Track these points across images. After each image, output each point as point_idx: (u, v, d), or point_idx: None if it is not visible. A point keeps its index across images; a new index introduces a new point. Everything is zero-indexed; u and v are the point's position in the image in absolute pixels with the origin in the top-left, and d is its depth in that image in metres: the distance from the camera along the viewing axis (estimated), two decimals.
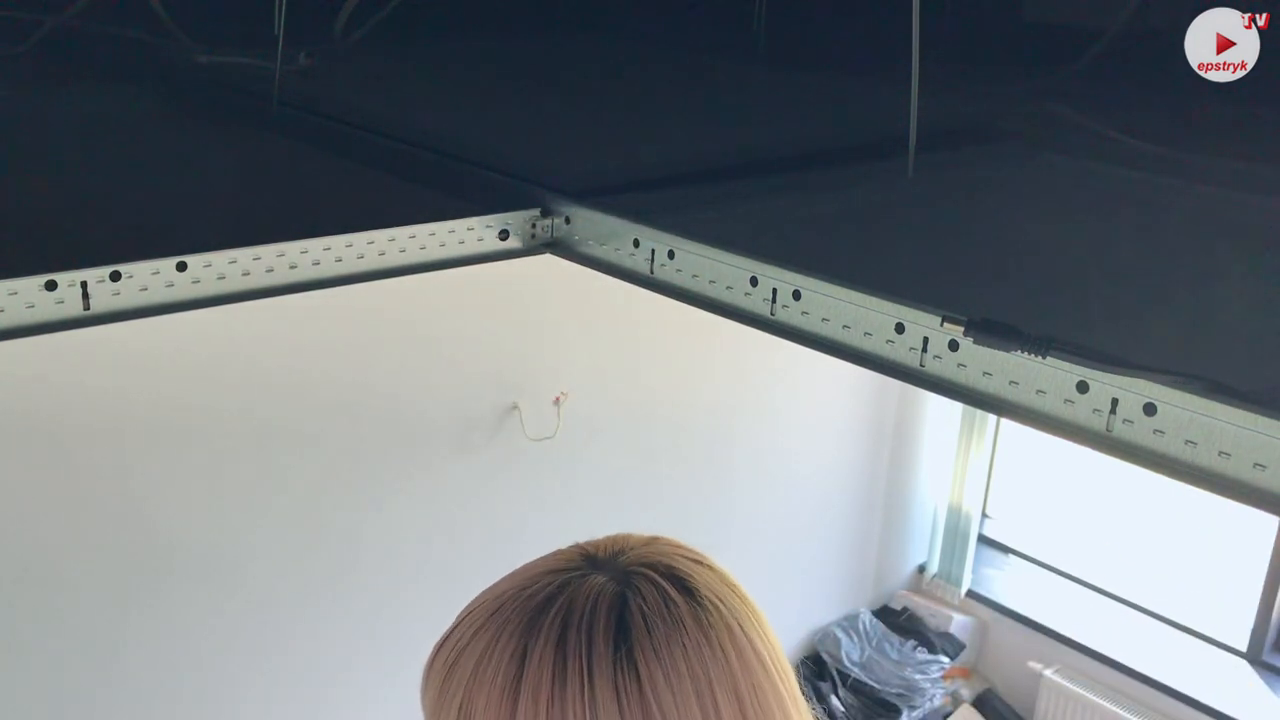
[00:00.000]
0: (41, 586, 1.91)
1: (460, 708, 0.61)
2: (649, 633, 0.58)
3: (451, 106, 1.04)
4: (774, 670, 0.61)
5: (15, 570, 1.86)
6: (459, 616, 0.66)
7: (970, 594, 3.57)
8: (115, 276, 0.59)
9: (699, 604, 0.60)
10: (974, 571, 3.61)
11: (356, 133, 0.92)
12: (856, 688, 3.34)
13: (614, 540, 0.65)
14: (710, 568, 0.64)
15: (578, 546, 0.66)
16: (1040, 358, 0.49)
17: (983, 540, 3.67)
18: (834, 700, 3.29)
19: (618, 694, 0.57)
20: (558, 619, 0.59)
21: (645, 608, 0.59)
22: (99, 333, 0.62)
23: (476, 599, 0.66)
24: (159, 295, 0.61)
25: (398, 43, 1.05)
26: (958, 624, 3.53)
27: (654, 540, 0.65)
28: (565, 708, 0.57)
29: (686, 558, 0.63)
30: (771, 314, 0.62)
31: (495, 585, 0.66)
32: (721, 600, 0.61)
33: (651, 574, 0.61)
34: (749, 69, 1.02)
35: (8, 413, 1.78)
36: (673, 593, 0.60)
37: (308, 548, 2.25)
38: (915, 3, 0.68)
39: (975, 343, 0.52)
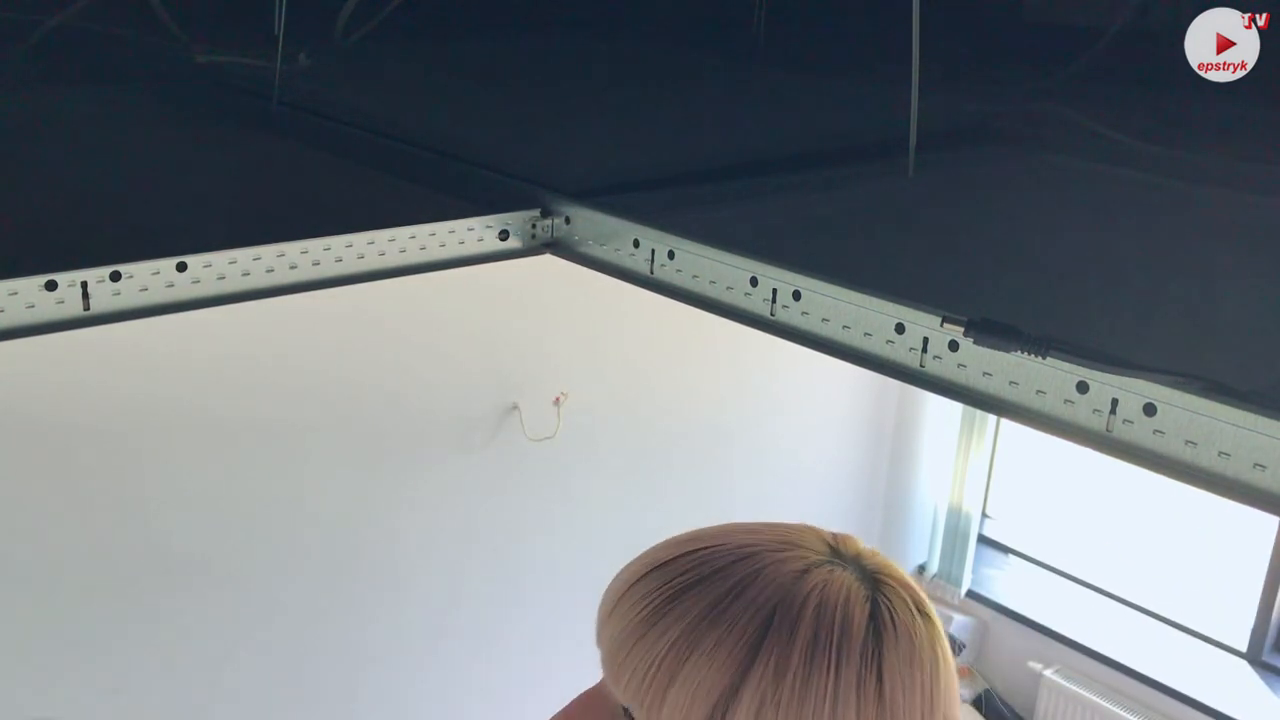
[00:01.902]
0: (41, 587, 1.91)
1: (673, 645, 0.60)
2: (897, 643, 0.59)
3: (451, 106, 1.04)
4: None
5: (15, 570, 1.86)
6: (676, 546, 0.64)
7: (970, 594, 3.57)
8: (115, 276, 0.59)
9: (933, 629, 0.61)
10: (974, 571, 3.61)
11: (356, 133, 0.92)
12: None
13: (847, 538, 0.65)
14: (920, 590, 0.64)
15: (810, 529, 0.65)
16: (1040, 358, 0.49)
17: (983, 540, 3.67)
18: None
19: (859, 691, 0.57)
20: (814, 595, 0.59)
21: (896, 619, 0.59)
22: (99, 333, 0.62)
23: (698, 535, 0.65)
24: (159, 295, 0.61)
25: (398, 43, 1.05)
26: (958, 624, 3.53)
27: (876, 551, 0.64)
28: (809, 686, 0.57)
29: (911, 579, 0.64)
30: (771, 314, 0.62)
31: (723, 531, 0.65)
32: (940, 633, 0.62)
33: (896, 587, 0.61)
34: (749, 69, 1.02)
35: (8, 413, 1.78)
36: (915, 611, 0.60)
37: (308, 547, 2.25)
38: (915, 3, 0.68)
39: (975, 343, 0.52)
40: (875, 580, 0.61)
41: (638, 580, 0.64)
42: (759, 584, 0.61)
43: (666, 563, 0.64)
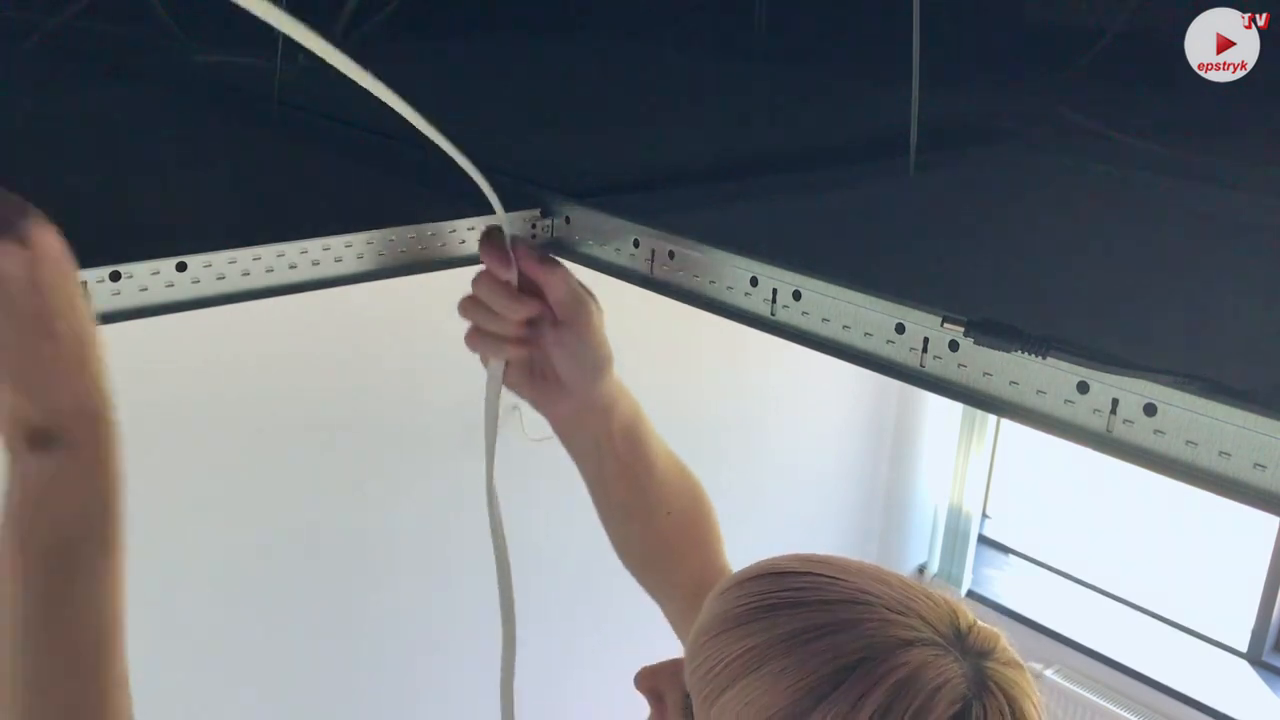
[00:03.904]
0: None
1: (746, 653, 0.59)
2: None
3: (452, 106, 1.04)
4: None
5: None
6: (802, 562, 0.64)
7: (970, 594, 3.57)
8: (115, 276, 0.59)
9: None
10: (974, 571, 3.61)
11: (356, 133, 0.92)
12: None
13: (987, 635, 0.62)
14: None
15: (948, 605, 0.63)
16: (1040, 358, 0.49)
17: (983, 540, 3.67)
18: None
19: None
20: (906, 669, 0.57)
21: None
22: (99, 333, 0.62)
23: (829, 560, 0.64)
24: (159, 295, 0.61)
25: (398, 43, 1.05)
26: None
27: (1017, 664, 0.62)
28: None
29: (1034, 702, 0.61)
30: (771, 314, 0.62)
31: (856, 568, 0.64)
32: None
33: (1004, 703, 0.58)
34: (749, 68, 1.02)
35: None
36: None
37: (308, 548, 2.25)
38: (915, 3, 0.68)
39: (975, 343, 0.52)
40: (984, 685, 0.58)
41: (753, 578, 0.64)
42: (854, 633, 0.58)
43: (785, 573, 0.63)
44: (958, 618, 0.62)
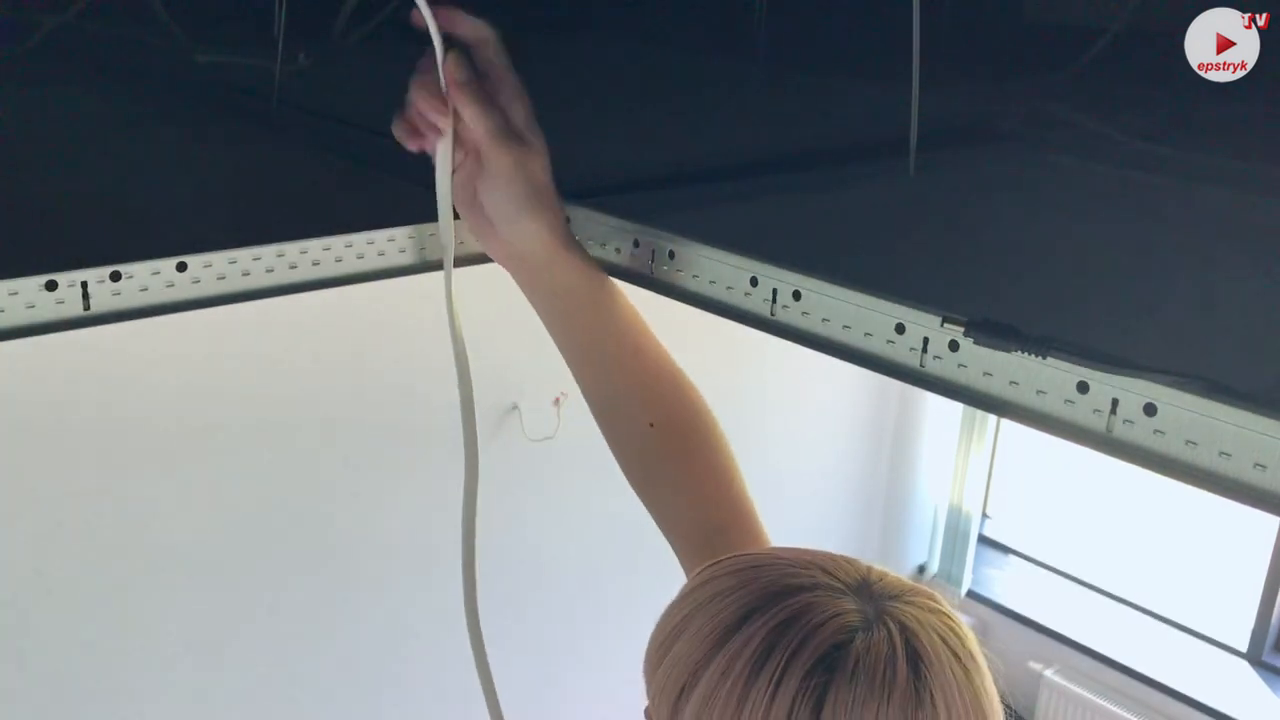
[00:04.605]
0: (40, 587, 1.90)
1: (674, 626, 0.62)
2: (851, 679, 0.56)
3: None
4: None
5: (13, 570, 1.86)
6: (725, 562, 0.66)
7: (970, 594, 3.57)
8: (115, 276, 0.59)
9: (916, 690, 0.57)
10: (974, 571, 3.61)
11: (356, 133, 0.92)
12: None
13: (904, 585, 0.63)
14: (960, 662, 0.60)
15: (872, 569, 0.64)
16: (1040, 358, 0.49)
17: (983, 540, 3.67)
18: None
19: (791, 713, 0.56)
20: (791, 608, 0.59)
21: (864, 656, 0.57)
22: (99, 333, 0.62)
23: (765, 549, 0.68)
24: (159, 295, 0.61)
25: (398, 43, 1.05)
26: None
27: (936, 610, 0.62)
28: (746, 696, 0.57)
29: (945, 639, 0.60)
30: (771, 314, 0.62)
31: (775, 549, 0.67)
32: (948, 705, 0.58)
33: (894, 633, 0.58)
34: (749, 68, 1.02)
35: (7, 412, 1.78)
36: (901, 663, 0.57)
37: (307, 548, 2.25)
38: (915, 3, 0.68)
39: (975, 343, 0.52)
40: (878, 618, 0.59)
41: (705, 566, 0.67)
42: (758, 585, 0.61)
43: (723, 559, 0.66)
44: (869, 573, 0.64)
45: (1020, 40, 0.85)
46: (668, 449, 0.86)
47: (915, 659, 0.58)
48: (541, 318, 0.82)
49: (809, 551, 0.66)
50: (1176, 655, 3.20)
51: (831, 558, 0.65)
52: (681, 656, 0.60)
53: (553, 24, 1.05)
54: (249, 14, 0.95)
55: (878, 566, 0.66)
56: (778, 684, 0.56)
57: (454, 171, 0.70)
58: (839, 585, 0.61)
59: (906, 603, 0.61)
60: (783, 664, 0.56)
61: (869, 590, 0.62)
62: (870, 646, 0.57)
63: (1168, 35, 0.61)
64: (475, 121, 0.67)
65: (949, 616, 0.63)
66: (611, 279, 0.77)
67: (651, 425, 0.85)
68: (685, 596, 0.65)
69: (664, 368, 0.86)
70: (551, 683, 2.69)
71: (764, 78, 1.01)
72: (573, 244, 0.74)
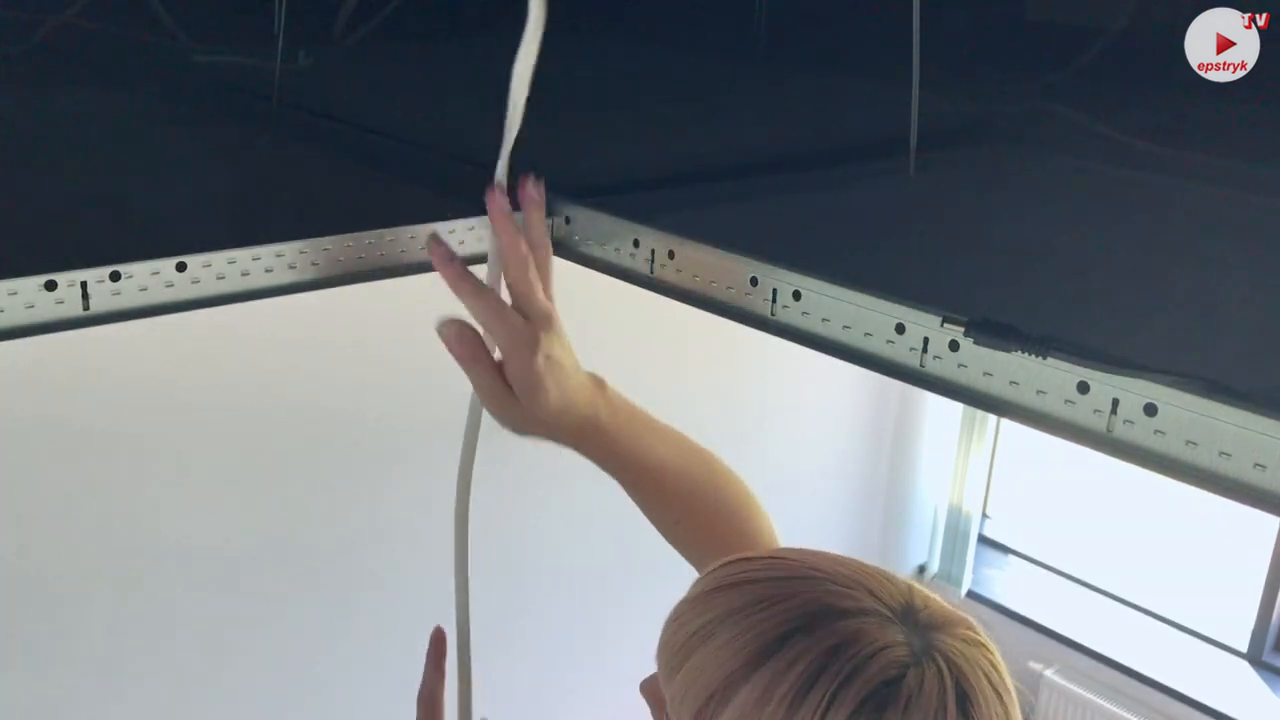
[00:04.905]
0: (40, 587, 1.90)
1: (701, 628, 0.60)
2: (904, 715, 0.55)
3: (451, 106, 1.04)
4: None
5: (13, 570, 1.86)
6: (772, 549, 0.65)
7: (970, 594, 3.57)
8: (115, 276, 0.59)
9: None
10: (974, 572, 3.61)
11: (356, 133, 0.92)
12: None
13: (947, 614, 0.62)
14: (1001, 700, 0.60)
15: (906, 584, 0.63)
16: (1041, 358, 0.49)
17: (983, 540, 3.67)
18: None
19: None
20: (844, 631, 0.57)
21: (915, 695, 0.56)
22: (99, 333, 0.62)
23: (799, 549, 0.65)
24: (159, 295, 0.61)
25: (398, 43, 1.05)
26: None
27: (978, 643, 0.61)
28: (794, 713, 0.55)
29: (989, 677, 0.60)
30: (771, 314, 0.62)
31: (819, 554, 0.64)
32: None
33: (945, 672, 0.58)
34: (749, 68, 1.02)
35: (7, 412, 1.78)
36: (951, 705, 0.57)
37: (307, 548, 2.25)
38: (915, 3, 0.68)
39: (975, 343, 0.52)
40: (928, 653, 0.58)
41: (724, 564, 0.65)
42: (795, 602, 0.59)
43: (751, 559, 0.64)
44: (912, 596, 0.62)
45: (1020, 40, 0.85)
46: (698, 538, 0.90)
47: (964, 700, 0.57)
48: (593, 458, 0.87)
49: (843, 561, 0.63)
50: (1176, 655, 3.20)
51: (872, 574, 0.63)
52: (710, 664, 0.58)
53: (553, 24, 1.05)
54: (249, 14, 0.95)
55: (918, 586, 0.64)
56: (824, 716, 0.55)
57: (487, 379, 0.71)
58: (885, 611, 0.59)
59: (952, 635, 0.60)
60: (829, 695, 0.55)
61: (914, 618, 0.60)
62: (922, 685, 0.56)
63: (1168, 35, 0.61)
64: (484, 314, 0.69)
65: (989, 650, 0.62)
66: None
67: (677, 523, 0.89)
68: (709, 596, 0.62)
69: (685, 466, 0.89)
70: (550, 682, 2.69)
71: (764, 78, 1.01)
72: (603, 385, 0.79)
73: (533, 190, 0.68)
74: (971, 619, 0.64)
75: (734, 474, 0.92)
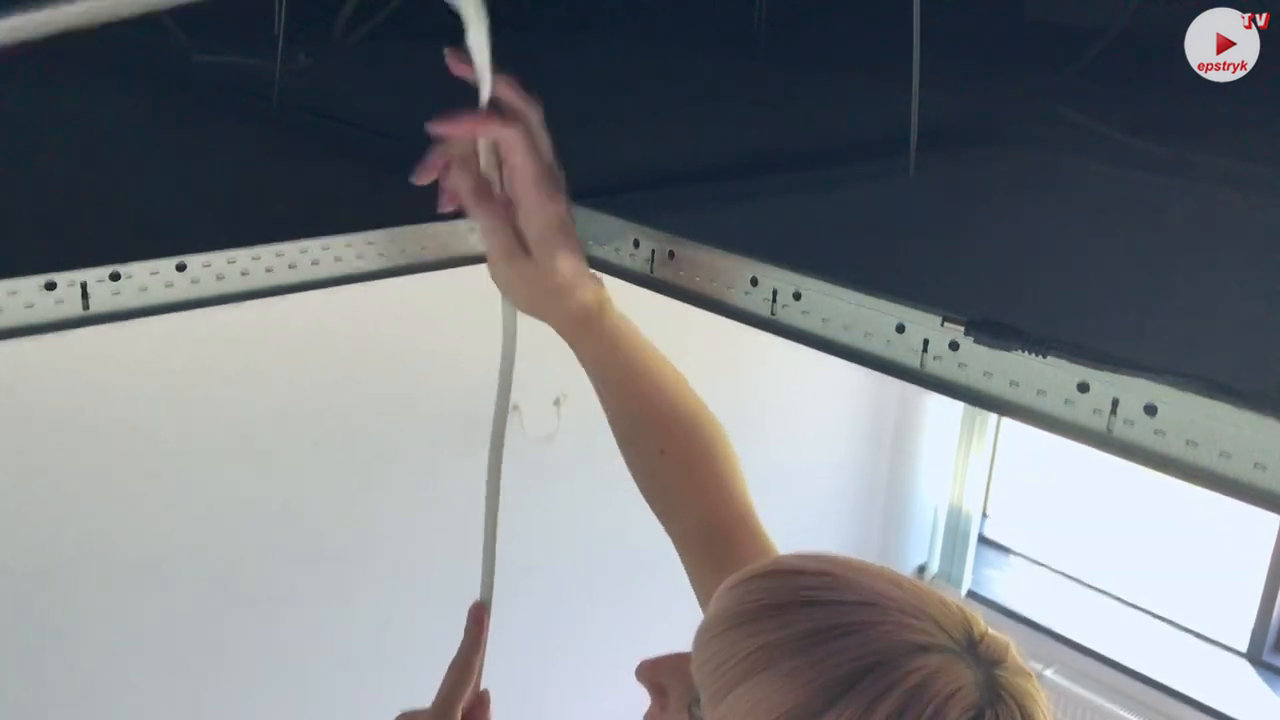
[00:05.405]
0: (40, 587, 1.91)
1: (756, 650, 0.58)
2: None
3: (451, 107, 1.04)
4: None
5: (13, 570, 1.86)
6: (817, 560, 0.63)
7: (970, 594, 3.57)
8: (115, 276, 0.59)
9: None
10: (974, 572, 3.61)
11: (356, 133, 0.92)
12: None
13: (999, 643, 0.62)
14: None
15: (963, 612, 0.62)
16: (1041, 358, 0.49)
17: (983, 540, 3.67)
18: None
19: None
20: (919, 674, 0.57)
21: None
22: (99, 333, 0.62)
23: (845, 561, 0.63)
24: (159, 295, 0.61)
25: (398, 43, 1.05)
26: None
27: (1026, 673, 0.62)
28: None
29: (1045, 714, 0.60)
30: (771, 314, 0.62)
31: (869, 569, 0.63)
32: None
33: (1015, 708, 0.58)
34: (749, 68, 1.02)
35: (6, 412, 1.78)
36: None
37: (307, 549, 2.25)
38: (915, 3, 0.68)
39: (976, 343, 0.52)
40: (996, 693, 0.58)
41: (764, 574, 0.62)
42: (868, 635, 0.58)
43: (798, 571, 0.62)
44: (971, 625, 0.62)
45: (1020, 40, 0.85)
46: (676, 470, 0.88)
47: None
48: (586, 365, 0.85)
49: (898, 581, 0.62)
50: (1176, 655, 3.20)
51: (930, 599, 0.62)
52: (774, 693, 0.56)
53: (554, 24, 1.05)
54: (249, 14, 0.95)
55: (968, 610, 0.64)
56: None
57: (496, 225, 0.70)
58: (953, 646, 0.59)
59: (1009, 670, 0.60)
60: None
61: (976, 652, 0.60)
62: None
63: (1168, 35, 0.61)
64: (525, 163, 0.67)
65: (1033, 678, 0.62)
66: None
67: (662, 453, 0.87)
68: (763, 614, 0.60)
69: (679, 390, 0.88)
70: (550, 682, 2.69)
71: (764, 77, 1.01)
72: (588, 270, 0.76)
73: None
74: (1013, 642, 0.63)
75: (712, 413, 0.90)
